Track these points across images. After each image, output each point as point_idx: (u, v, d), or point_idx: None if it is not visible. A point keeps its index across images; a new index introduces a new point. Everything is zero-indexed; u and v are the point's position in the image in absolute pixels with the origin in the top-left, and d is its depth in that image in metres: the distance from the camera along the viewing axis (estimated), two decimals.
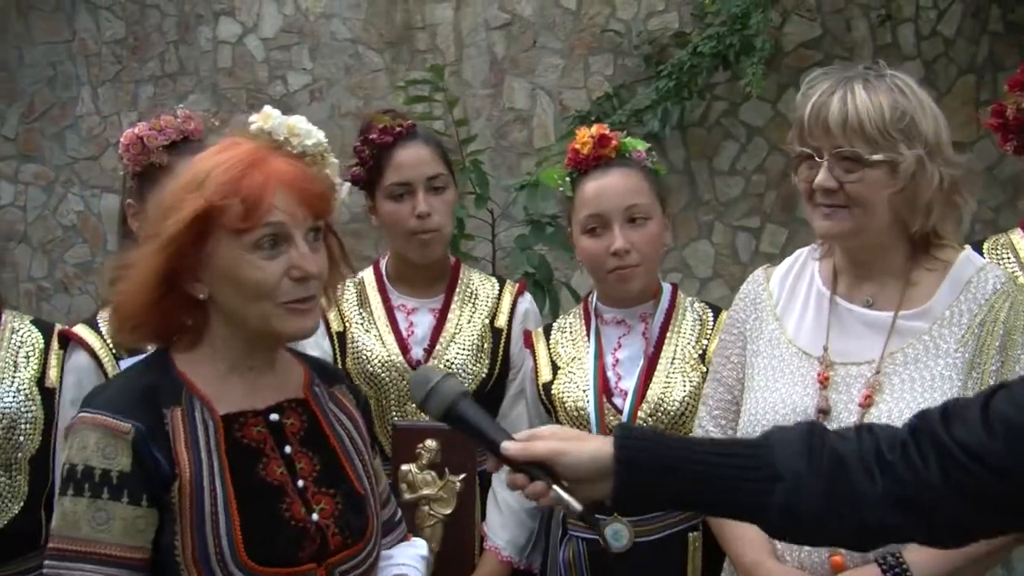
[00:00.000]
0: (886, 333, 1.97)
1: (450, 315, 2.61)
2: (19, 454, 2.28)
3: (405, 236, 2.56)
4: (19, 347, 2.34)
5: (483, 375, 2.57)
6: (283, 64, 6.25)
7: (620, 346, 2.45)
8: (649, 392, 2.36)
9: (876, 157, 1.87)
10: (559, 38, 5.76)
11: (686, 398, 2.35)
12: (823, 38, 5.39)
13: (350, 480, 1.77)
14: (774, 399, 2.01)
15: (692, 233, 5.63)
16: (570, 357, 2.48)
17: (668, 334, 2.44)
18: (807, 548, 1.94)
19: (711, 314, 2.48)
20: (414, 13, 5.98)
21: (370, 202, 2.60)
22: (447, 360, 2.55)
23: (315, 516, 1.69)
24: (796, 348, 2.05)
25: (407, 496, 2.42)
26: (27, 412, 2.29)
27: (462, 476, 2.45)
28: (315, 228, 1.70)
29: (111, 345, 2.33)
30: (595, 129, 2.43)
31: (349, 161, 2.56)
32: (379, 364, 2.54)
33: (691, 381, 2.37)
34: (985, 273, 1.98)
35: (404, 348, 2.56)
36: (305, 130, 1.73)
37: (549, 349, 2.52)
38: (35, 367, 2.34)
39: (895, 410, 1.88)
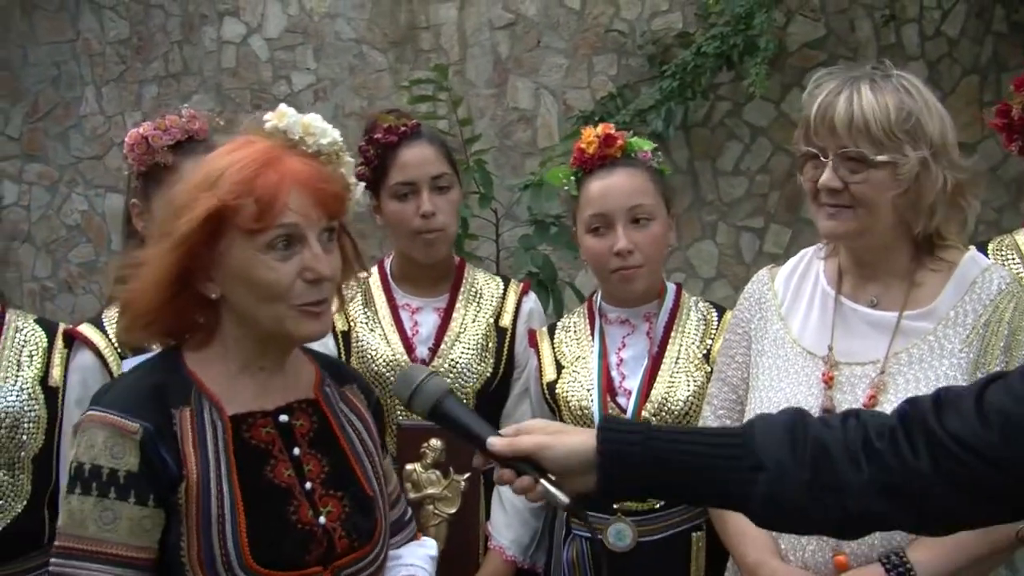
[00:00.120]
0: (891, 333, 1.97)
1: (455, 314, 2.61)
2: (22, 453, 2.28)
3: (410, 235, 2.56)
4: (23, 346, 2.34)
5: (487, 374, 2.57)
6: (287, 64, 6.26)
7: (624, 345, 2.45)
8: (653, 392, 2.37)
9: (881, 158, 1.86)
10: (563, 38, 5.77)
11: (690, 398, 2.35)
12: (827, 38, 5.39)
13: (359, 482, 1.76)
14: (779, 399, 2.01)
15: (696, 233, 5.63)
16: (574, 356, 2.48)
17: (672, 334, 2.44)
18: (811, 548, 1.94)
19: (715, 314, 2.48)
20: (418, 13, 5.98)
21: (375, 201, 2.60)
22: (451, 359, 2.55)
23: (322, 519, 1.68)
24: (801, 348, 2.05)
25: (412, 495, 2.42)
26: (30, 411, 2.29)
27: (466, 475, 2.46)
28: (329, 229, 1.68)
29: (116, 344, 2.33)
30: (601, 129, 2.43)
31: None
32: (383, 363, 2.54)
33: (695, 381, 2.37)
34: (990, 274, 1.98)
35: (409, 347, 2.57)
36: (320, 128, 1.70)
37: (553, 348, 2.52)
38: (38, 366, 2.34)
39: None
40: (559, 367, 2.48)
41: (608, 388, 2.40)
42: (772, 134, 5.47)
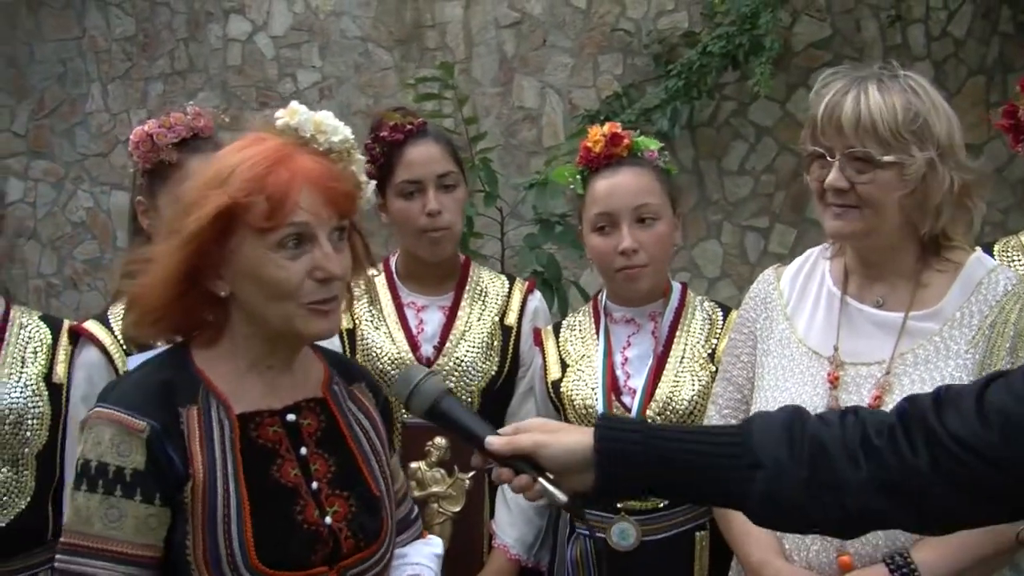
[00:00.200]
0: (896, 334, 1.97)
1: (460, 313, 2.61)
2: (26, 449, 2.28)
3: (415, 234, 2.56)
4: (27, 343, 2.35)
5: (493, 373, 2.57)
6: (293, 62, 6.26)
7: (629, 344, 2.45)
8: (658, 391, 2.36)
9: (888, 158, 1.86)
10: (569, 37, 5.76)
11: (695, 397, 2.35)
12: (833, 38, 5.39)
13: (366, 481, 1.76)
14: (784, 399, 2.00)
15: (701, 233, 5.63)
16: (579, 355, 2.48)
17: (677, 333, 2.44)
18: (815, 548, 1.93)
19: (721, 313, 2.48)
20: (424, 11, 5.98)
21: (380, 200, 2.60)
22: (456, 358, 2.55)
23: (328, 519, 1.67)
24: (806, 348, 2.04)
25: (416, 494, 2.42)
26: (34, 408, 2.29)
27: (471, 474, 2.46)
28: (340, 227, 1.67)
29: (122, 341, 2.33)
30: (607, 127, 2.42)
31: None
32: (389, 362, 2.54)
33: (700, 380, 2.36)
34: (996, 275, 1.98)
35: (414, 345, 2.57)
36: (332, 126, 1.69)
37: (558, 347, 2.52)
38: (43, 363, 2.34)
39: None
40: (564, 366, 2.48)
41: (613, 387, 2.40)
42: (777, 134, 5.46)
